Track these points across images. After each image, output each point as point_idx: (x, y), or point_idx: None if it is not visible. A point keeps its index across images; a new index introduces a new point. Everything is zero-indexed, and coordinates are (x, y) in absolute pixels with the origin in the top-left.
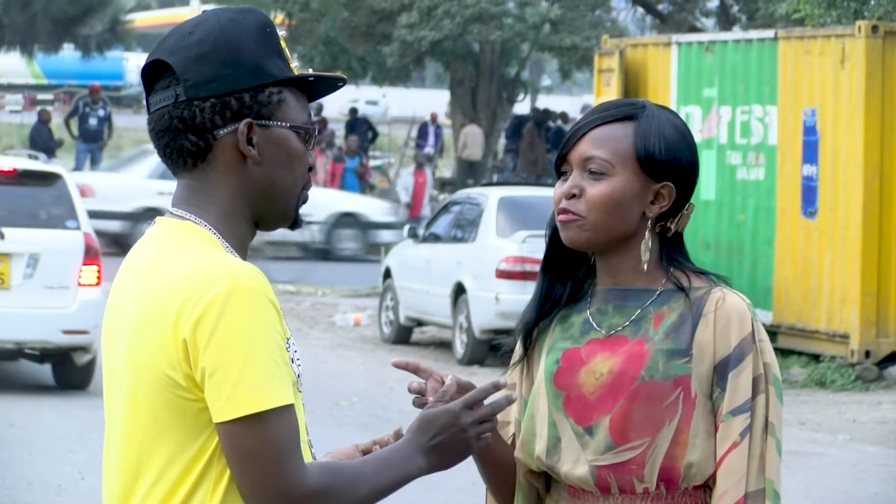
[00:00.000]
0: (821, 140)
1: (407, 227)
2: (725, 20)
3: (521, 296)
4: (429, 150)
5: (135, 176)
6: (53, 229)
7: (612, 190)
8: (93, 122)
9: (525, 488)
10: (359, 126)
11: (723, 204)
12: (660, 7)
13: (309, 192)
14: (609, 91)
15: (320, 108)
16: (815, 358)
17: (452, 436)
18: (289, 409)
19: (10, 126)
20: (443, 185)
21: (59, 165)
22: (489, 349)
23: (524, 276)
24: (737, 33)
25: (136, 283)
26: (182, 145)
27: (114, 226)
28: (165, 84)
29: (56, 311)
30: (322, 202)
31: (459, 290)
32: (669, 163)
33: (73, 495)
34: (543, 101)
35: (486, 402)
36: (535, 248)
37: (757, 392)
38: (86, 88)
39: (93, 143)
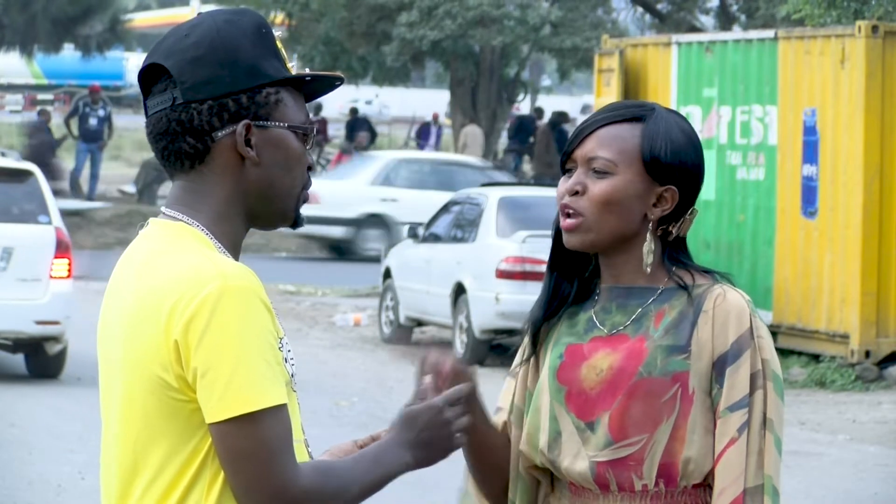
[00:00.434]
0: (821, 140)
1: (407, 227)
2: (725, 19)
3: (521, 296)
4: (428, 149)
5: (358, 182)
6: (26, 224)
7: (614, 188)
8: (93, 122)
9: (526, 482)
10: (359, 126)
11: (723, 204)
12: (659, 7)
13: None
14: (609, 91)
15: (319, 108)
16: (815, 358)
17: (436, 432)
18: (281, 409)
19: (10, 126)
20: None
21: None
22: (489, 349)
23: (524, 276)
24: (737, 33)
25: (129, 284)
26: (180, 148)
27: (337, 232)
28: (162, 87)
29: (29, 303)
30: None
31: (459, 290)
32: (674, 166)
33: (73, 495)
34: (543, 101)
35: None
36: (535, 248)
37: (755, 388)
38: (86, 88)
39: (93, 143)
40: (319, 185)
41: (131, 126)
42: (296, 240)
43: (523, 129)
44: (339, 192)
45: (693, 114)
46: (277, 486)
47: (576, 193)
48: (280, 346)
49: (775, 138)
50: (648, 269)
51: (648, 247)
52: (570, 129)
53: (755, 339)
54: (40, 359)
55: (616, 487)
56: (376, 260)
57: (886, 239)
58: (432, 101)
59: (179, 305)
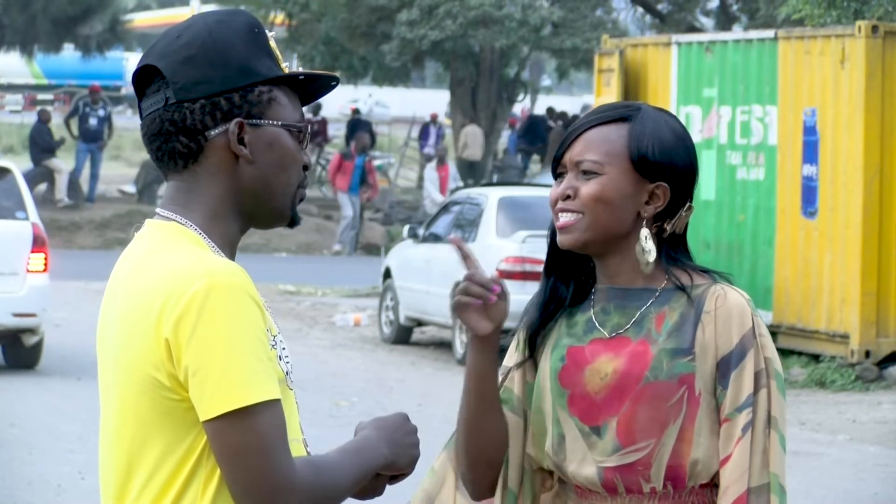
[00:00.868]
0: (821, 140)
1: (407, 227)
2: (725, 19)
3: (522, 296)
4: (429, 150)
5: None
6: (4, 220)
7: (604, 188)
8: (93, 122)
9: (532, 479)
10: (360, 127)
11: (723, 204)
12: (659, 7)
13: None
14: (609, 91)
15: (318, 108)
16: (815, 358)
17: (406, 435)
18: (274, 403)
19: (10, 126)
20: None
21: (60, 165)
22: None
23: (524, 276)
24: (737, 33)
25: (123, 285)
26: (174, 147)
27: None
28: (156, 88)
29: (6, 296)
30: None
31: None
32: (663, 163)
33: (73, 495)
34: (543, 101)
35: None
36: (535, 248)
37: (758, 387)
38: (86, 88)
39: (93, 143)
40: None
41: (131, 126)
42: (296, 240)
43: (534, 129)
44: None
45: (693, 114)
46: (273, 482)
47: (567, 197)
48: (274, 343)
49: (775, 138)
50: (648, 269)
51: (641, 246)
52: None
53: (757, 338)
54: (17, 350)
55: (624, 490)
56: None
57: (886, 239)
58: (432, 101)
59: (169, 304)
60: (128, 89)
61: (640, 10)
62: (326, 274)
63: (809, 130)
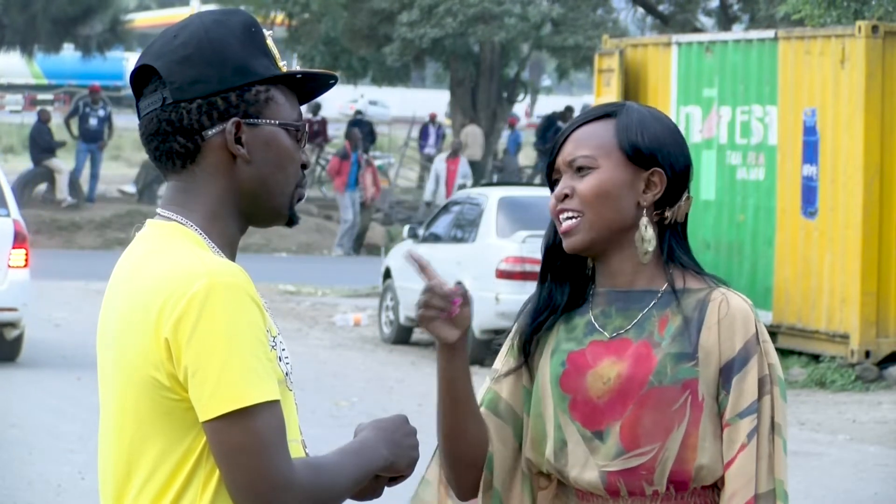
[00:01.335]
0: (821, 140)
1: (407, 227)
2: (725, 19)
3: (521, 296)
4: (429, 150)
5: None
6: None
7: (600, 181)
8: (93, 122)
9: (530, 483)
10: (360, 127)
11: (723, 204)
12: (660, 7)
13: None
14: (609, 91)
15: (318, 108)
16: (815, 358)
17: (406, 436)
18: (273, 404)
19: (10, 126)
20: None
21: (60, 165)
22: (489, 349)
23: (524, 276)
24: (737, 33)
25: (124, 285)
26: (171, 147)
27: None
28: (153, 88)
29: None
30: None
31: None
32: (654, 149)
33: (73, 495)
34: (543, 102)
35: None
36: (535, 248)
37: (762, 393)
38: (86, 88)
39: (93, 143)
40: None
41: (131, 126)
42: (296, 240)
43: (553, 128)
44: None
45: (693, 114)
46: (272, 482)
47: (566, 197)
48: (273, 344)
49: (775, 138)
50: (647, 259)
51: (640, 234)
52: None
53: (761, 343)
54: None
55: (626, 493)
56: None
57: (886, 239)
58: (432, 101)
59: (168, 304)
60: (127, 90)
61: (641, 10)
62: (326, 274)
63: (809, 130)
